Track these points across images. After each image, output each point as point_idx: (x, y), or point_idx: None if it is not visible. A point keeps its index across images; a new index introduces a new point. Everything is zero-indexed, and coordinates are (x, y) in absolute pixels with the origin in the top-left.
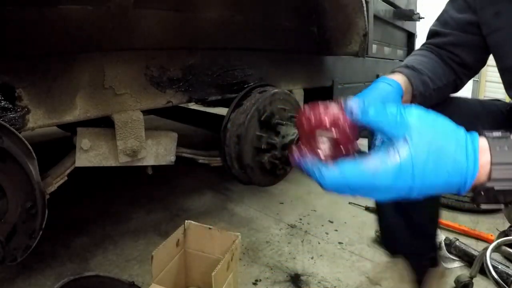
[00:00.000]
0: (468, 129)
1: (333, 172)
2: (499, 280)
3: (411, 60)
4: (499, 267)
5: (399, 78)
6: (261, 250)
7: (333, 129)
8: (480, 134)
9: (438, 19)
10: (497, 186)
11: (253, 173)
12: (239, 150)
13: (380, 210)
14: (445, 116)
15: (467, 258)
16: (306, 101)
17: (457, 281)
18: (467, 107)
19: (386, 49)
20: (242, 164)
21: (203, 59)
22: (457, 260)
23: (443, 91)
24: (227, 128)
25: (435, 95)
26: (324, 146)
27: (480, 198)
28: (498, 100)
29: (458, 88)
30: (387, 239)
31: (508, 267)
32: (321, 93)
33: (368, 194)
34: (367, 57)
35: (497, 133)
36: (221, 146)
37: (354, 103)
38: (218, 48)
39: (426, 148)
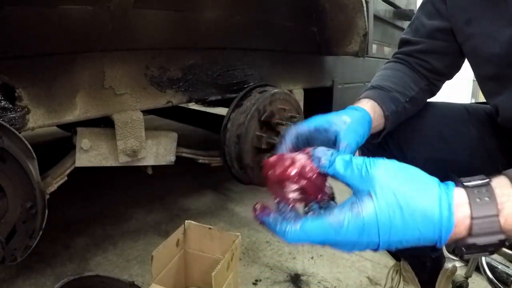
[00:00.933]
0: (453, 136)
1: (295, 229)
2: (494, 279)
3: (377, 78)
4: (499, 267)
5: (366, 104)
6: (261, 250)
7: (301, 180)
8: (457, 184)
9: (409, 26)
10: (480, 242)
11: (253, 173)
12: (239, 150)
13: None
14: (429, 123)
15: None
16: (306, 101)
17: (452, 281)
18: (450, 113)
19: (386, 49)
20: (242, 164)
21: (203, 59)
22: (457, 260)
23: (418, 99)
24: (227, 128)
25: (410, 106)
26: (293, 195)
27: (462, 252)
28: (486, 103)
29: (434, 92)
30: None
31: (508, 267)
32: (321, 93)
33: (332, 247)
34: (367, 57)
35: (476, 181)
36: (221, 146)
37: (322, 154)
38: (218, 48)
39: (391, 204)
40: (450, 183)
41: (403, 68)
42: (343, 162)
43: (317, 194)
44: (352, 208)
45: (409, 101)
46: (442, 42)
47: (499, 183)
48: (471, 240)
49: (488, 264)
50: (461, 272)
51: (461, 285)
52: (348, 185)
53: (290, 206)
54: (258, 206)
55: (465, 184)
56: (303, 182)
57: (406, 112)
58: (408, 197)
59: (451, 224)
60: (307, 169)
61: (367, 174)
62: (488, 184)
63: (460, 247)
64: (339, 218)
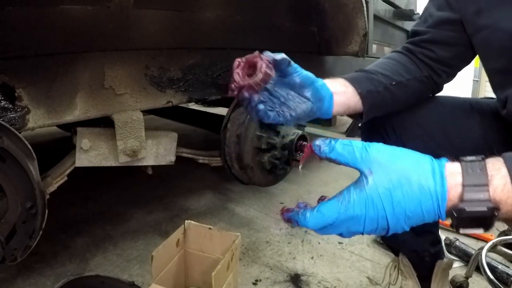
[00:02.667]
0: (455, 131)
1: (313, 213)
2: (494, 279)
3: (368, 66)
4: (499, 267)
5: (335, 80)
6: (261, 250)
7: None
8: (454, 160)
9: (420, 17)
10: (470, 208)
11: (253, 173)
12: (239, 150)
13: None
14: (430, 116)
15: (467, 258)
16: None
17: (452, 281)
18: (453, 106)
19: (386, 49)
20: (242, 164)
21: (203, 59)
22: (457, 260)
23: (409, 86)
24: (227, 128)
25: (397, 91)
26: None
27: (455, 221)
28: (492, 98)
29: (438, 85)
30: (389, 237)
31: (508, 267)
32: None
33: (349, 228)
34: (367, 57)
35: (472, 158)
36: (221, 146)
37: (321, 142)
38: (218, 48)
39: (389, 177)
40: (443, 158)
41: (399, 57)
42: (343, 146)
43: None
44: (356, 185)
45: (396, 85)
46: (450, 33)
47: (493, 160)
48: (461, 205)
49: (489, 264)
50: (461, 272)
51: (461, 285)
52: (350, 166)
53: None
54: (283, 209)
55: (461, 158)
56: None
57: (392, 95)
58: (405, 170)
59: (444, 190)
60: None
61: (367, 155)
62: (482, 160)
63: (452, 213)
64: (346, 195)
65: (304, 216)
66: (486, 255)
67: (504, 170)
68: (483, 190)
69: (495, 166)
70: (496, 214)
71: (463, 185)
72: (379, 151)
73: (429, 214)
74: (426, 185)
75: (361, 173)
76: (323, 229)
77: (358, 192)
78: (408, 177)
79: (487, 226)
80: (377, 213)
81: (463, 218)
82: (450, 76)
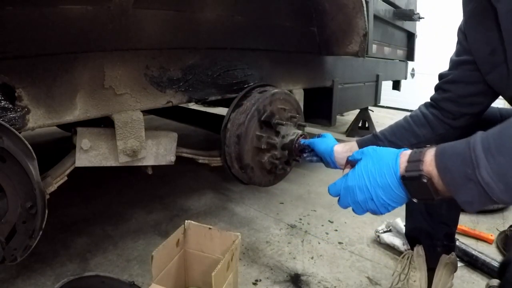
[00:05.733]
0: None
1: (332, 185)
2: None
3: (382, 130)
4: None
5: (347, 143)
6: (261, 250)
7: None
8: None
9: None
10: (407, 174)
11: (253, 173)
12: (239, 150)
13: None
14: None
15: (467, 258)
16: (306, 101)
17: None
18: (485, 115)
19: (386, 49)
20: (242, 164)
21: (203, 59)
22: (457, 260)
23: (422, 143)
24: (227, 128)
25: None
26: None
27: (406, 188)
28: None
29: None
30: (410, 228)
31: None
32: (321, 93)
33: (350, 199)
34: (367, 57)
35: (422, 147)
36: (221, 146)
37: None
38: (218, 48)
39: (369, 160)
40: (405, 148)
41: (414, 119)
42: (356, 152)
43: None
44: (353, 168)
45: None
46: (468, 72)
47: (431, 147)
48: (405, 174)
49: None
50: (461, 272)
51: None
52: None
53: None
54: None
55: (418, 146)
56: None
57: None
58: (379, 156)
59: (397, 164)
60: None
61: (363, 151)
62: (426, 147)
63: (404, 183)
64: (347, 173)
65: (329, 186)
66: None
67: (433, 151)
68: (418, 163)
69: (430, 150)
70: (427, 181)
71: (408, 161)
72: (369, 148)
73: (393, 184)
74: (388, 161)
75: (358, 162)
76: (340, 201)
77: (352, 171)
78: (380, 159)
79: (430, 194)
80: (361, 183)
81: (409, 185)
82: (474, 116)
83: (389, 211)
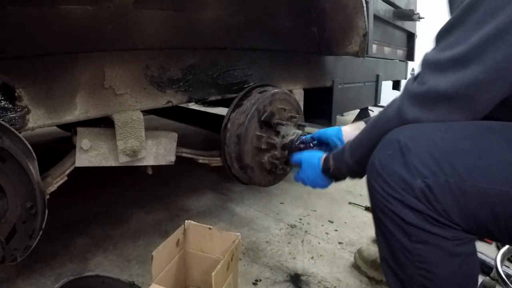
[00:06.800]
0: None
1: (296, 176)
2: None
3: None
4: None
5: (351, 124)
6: (261, 250)
7: None
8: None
9: None
10: (324, 168)
11: (253, 173)
12: (239, 150)
13: None
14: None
15: None
16: (306, 100)
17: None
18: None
19: (386, 49)
20: (242, 164)
21: (203, 59)
22: None
23: None
24: (227, 128)
25: None
26: None
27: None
28: None
29: None
30: None
31: (508, 267)
32: (321, 93)
33: (303, 180)
34: (367, 57)
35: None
36: (221, 146)
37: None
38: (218, 48)
39: (305, 164)
40: (330, 152)
41: None
42: (295, 157)
43: None
44: (300, 168)
45: None
46: None
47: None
48: (323, 168)
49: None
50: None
51: None
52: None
53: None
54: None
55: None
56: None
57: None
58: (308, 158)
59: (319, 162)
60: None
61: (300, 157)
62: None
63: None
64: (298, 171)
65: (294, 177)
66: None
67: (331, 155)
68: (328, 160)
69: (346, 146)
70: (333, 170)
71: (324, 159)
72: (303, 155)
73: (319, 174)
74: (315, 163)
75: (301, 163)
76: (297, 180)
77: (300, 170)
78: (309, 162)
79: (338, 178)
80: (303, 176)
81: (326, 173)
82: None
83: (322, 187)
